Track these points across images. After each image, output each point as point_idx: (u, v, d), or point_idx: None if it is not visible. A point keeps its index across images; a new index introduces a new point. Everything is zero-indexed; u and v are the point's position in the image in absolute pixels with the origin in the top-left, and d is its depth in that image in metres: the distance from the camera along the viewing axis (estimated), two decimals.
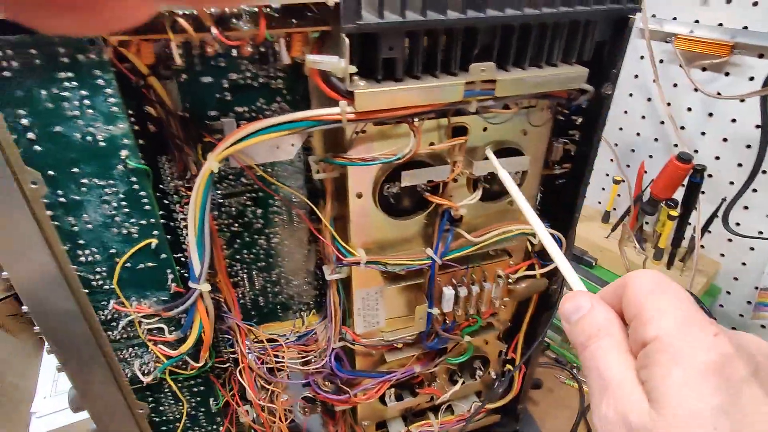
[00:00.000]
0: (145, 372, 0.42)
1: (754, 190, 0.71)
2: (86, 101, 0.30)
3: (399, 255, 0.47)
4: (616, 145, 0.86)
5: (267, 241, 0.49)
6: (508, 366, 0.63)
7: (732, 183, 0.74)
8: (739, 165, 0.72)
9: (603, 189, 0.92)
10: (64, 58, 0.29)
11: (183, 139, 0.39)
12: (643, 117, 0.81)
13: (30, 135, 0.30)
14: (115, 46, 0.31)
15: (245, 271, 0.50)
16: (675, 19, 0.71)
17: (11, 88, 0.28)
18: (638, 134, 0.82)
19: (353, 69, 0.34)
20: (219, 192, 0.45)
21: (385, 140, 0.41)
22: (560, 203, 0.51)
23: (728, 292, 0.80)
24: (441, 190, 0.46)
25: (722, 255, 0.78)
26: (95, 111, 0.31)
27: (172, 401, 0.46)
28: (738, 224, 0.75)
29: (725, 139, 0.73)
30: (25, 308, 0.36)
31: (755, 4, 0.65)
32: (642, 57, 0.77)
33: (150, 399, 0.45)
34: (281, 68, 0.40)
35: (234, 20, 0.33)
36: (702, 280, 0.75)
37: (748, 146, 0.71)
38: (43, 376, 0.75)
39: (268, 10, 0.32)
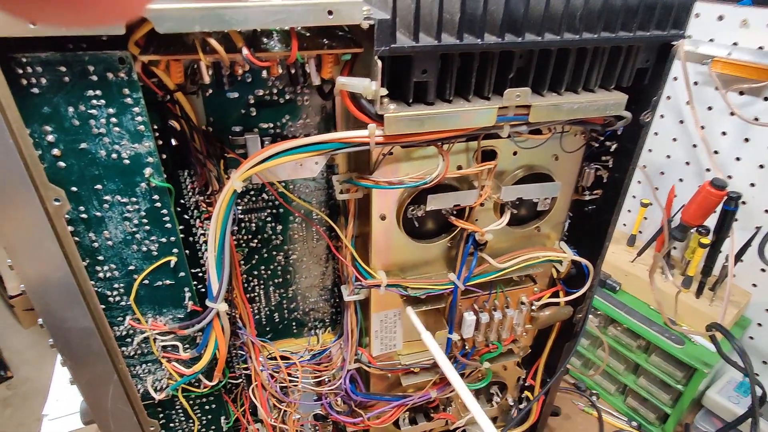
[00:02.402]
0: (158, 389, 0.42)
1: None
2: (113, 119, 0.30)
3: (420, 279, 0.46)
4: (644, 166, 0.83)
5: (285, 258, 0.49)
6: (527, 393, 0.61)
7: (767, 211, 0.71)
8: None
9: (629, 211, 0.89)
10: (93, 76, 0.28)
11: (205, 154, 0.39)
12: (675, 139, 0.78)
13: (55, 151, 0.30)
14: (145, 63, 0.30)
15: (262, 287, 0.49)
16: (712, 40, 0.69)
17: (39, 104, 0.28)
18: (668, 156, 0.80)
19: (384, 92, 0.33)
20: (239, 208, 0.44)
21: (411, 162, 0.40)
22: (589, 230, 0.49)
23: (759, 324, 0.76)
24: (467, 214, 0.44)
25: (754, 285, 0.75)
26: (122, 129, 0.30)
27: (183, 418, 0.45)
28: None
29: (761, 166, 0.70)
30: (40, 321, 0.35)
31: None
32: (675, 78, 0.74)
33: (161, 416, 0.44)
34: (308, 86, 0.39)
35: (265, 40, 0.32)
36: (733, 310, 0.72)
37: None
38: (56, 379, 0.75)
39: (300, 29, 0.31)
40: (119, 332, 0.38)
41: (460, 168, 0.41)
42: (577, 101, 0.38)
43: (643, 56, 0.39)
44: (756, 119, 0.68)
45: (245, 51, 0.29)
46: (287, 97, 0.40)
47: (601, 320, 0.78)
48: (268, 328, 0.53)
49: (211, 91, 0.38)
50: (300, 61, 0.33)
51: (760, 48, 0.66)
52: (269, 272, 0.49)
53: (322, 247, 0.50)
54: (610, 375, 0.79)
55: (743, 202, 0.72)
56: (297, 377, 0.51)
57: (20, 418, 1.42)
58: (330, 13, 0.29)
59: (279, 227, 0.46)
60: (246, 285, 0.49)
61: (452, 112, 0.35)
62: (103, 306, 0.36)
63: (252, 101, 0.39)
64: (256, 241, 0.46)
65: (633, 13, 0.36)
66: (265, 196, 0.45)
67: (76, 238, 0.33)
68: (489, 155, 0.42)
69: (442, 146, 0.38)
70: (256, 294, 0.50)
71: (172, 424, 0.46)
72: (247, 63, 0.30)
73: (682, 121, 0.76)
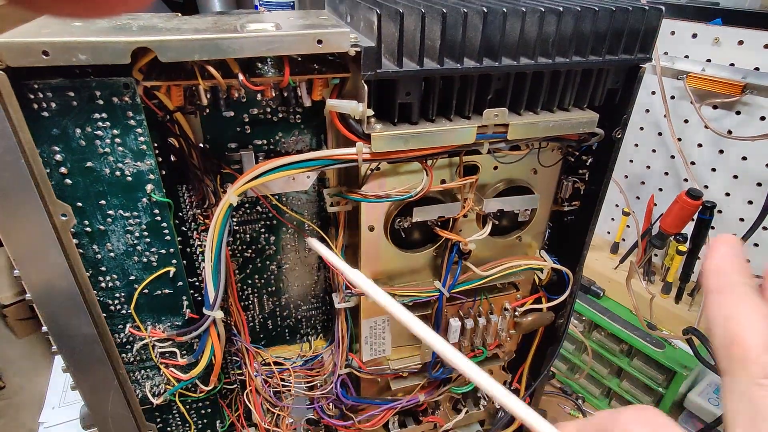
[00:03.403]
0: (156, 394, 0.43)
1: (765, 228, 0.71)
2: (117, 139, 0.32)
3: (407, 286, 0.48)
4: (626, 177, 0.87)
5: (278, 267, 0.51)
6: None
7: (742, 220, 0.74)
8: (750, 202, 0.72)
9: (612, 219, 0.92)
10: (99, 100, 0.30)
11: (203, 170, 0.41)
12: (654, 151, 0.81)
13: (62, 170, 0.32)
14: (147, 87, 0.32)
15: (256, 295, 0.51)
16: (687, 57, 0.72)
17: (48, 127, 0.30)
18: (648, 167, 0.83)
19: (371, 112, 0.35)
20: (234, 219, 0.46)
21: (398, 176, 0.42)
22: (569, 239, 0.52)
23: None
24: (451, 224, 0.46)
25: None
26: (125, 148, 0.32)
27: (179, 422, 0.47)
28: (748, 261, 0.74)
29: (735, 176, 0.73)
30: (44, 329, 0.37)
31: (766, 46, 0.65)
32: (653, 92, 0.78)
33: (158, 420, 0.46)
34: (300, 105, 0.41)
35: (260, 65, 0.34)
36: None
37: (759, 184, 0.71)
38: (52, 387, 0.77)
39: (293, 56, 0.33)
40: (120, 339, 0.40)
41: (444, 182, 0.44)
42: (552, 119, 0.40)
43: (613, 78, 0.42)
44: (729, 132, 0.71)
45: (241, 77, 0.32)
46: (280, 115, 0.42)
47: (586, 326, 0.81)
48: (262, 335, 0.55)
49: (208, 110, 0.40)
50: (292, 85, 0.35)
51: (731, 64, 0.69)
52: (263, 281, 0.51)
53: (314, 257, 0.52)
54: (594, 379, 0.82)
55: (719, 211, 0.75)
56: (290, 382, 0.53)
57: (13, 429, 1.42)
58: (319, 42, 0.31)
59: (272, 238, 0.49)
60: (240, 293, 0.51)
61: (434, 131, 0.37)
62: (105, 314, 0.38)
63: (247, 119, 0.41)
64: (250, 251, 0.48)
65: (602, 39, 0.39)
66: (259, 208, 0.47)
67: (81, 250, 0.35)
68: (471, 170, 0.44)
69: (426, 162, 0.40)
70: (250, 302, 0.52)
71: (169, 428, 0.47)
72: (242, 87, 0.32)
73: (660, 134, 0.80)
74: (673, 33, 0.74)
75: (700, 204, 0.68)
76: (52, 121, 0.30)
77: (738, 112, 0.70)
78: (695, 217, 0.70)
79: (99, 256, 0.36)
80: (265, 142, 0.43)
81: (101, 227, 0.35)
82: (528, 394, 0.60)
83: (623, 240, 0.87)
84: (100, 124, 0.31)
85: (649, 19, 0.39)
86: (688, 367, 0.69)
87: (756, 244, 0.73)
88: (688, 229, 0.72)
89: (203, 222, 0.43)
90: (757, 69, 0.67)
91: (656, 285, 0.79)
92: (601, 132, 0.43)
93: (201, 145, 0.41)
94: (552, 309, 0.55)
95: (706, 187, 0.76)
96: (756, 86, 0.67)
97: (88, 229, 0.34)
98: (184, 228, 0.43)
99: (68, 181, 0.32)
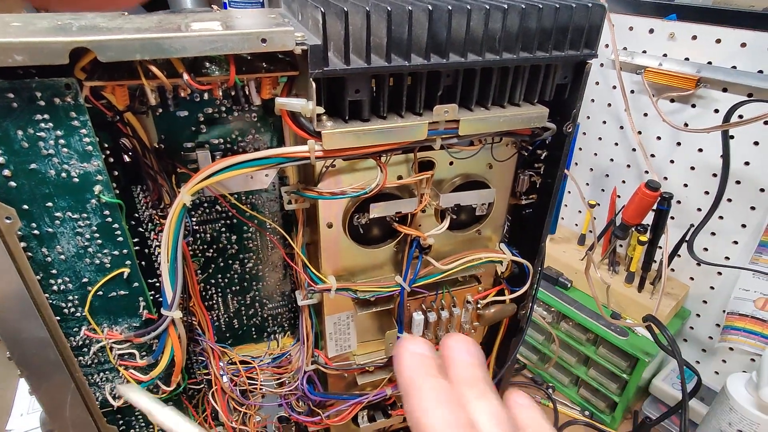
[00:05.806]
0: (116, 396, 0.43)
1: (721, 217, 0.74)
2: (61, 141, 0.32)
3: (369, 282, 0.49)
4: (591, 170, 0.89)
5: (241, 266, 0.51)
6: None
7: (699, 210, 0.76)
8: (706, 193, 0.75)
9: (579, 212, 0.94)
10: (40, 101, 0.30)
11: (157, 170, 0.41)
12: (616, 144, 0.83)
13: (5, 172, 0.31)
14: (91, 87, 0.32)
15: (220, 294, 0.51)
16: (645, 52, 0.74)
17: None
18: (612, 160, 0.85)
19: (320, 110, 0.36)
20: (194, 219, 0.46)
21: (354, 173, 0.43)
22: (528, 232, 0.53)
23: (698, 315, 0.82)
24: (410, 220, 0.47)
25: (691, 278, 0.81)
26: (70, 149, 0.32)
27: (143, 424, 0.47)
28: (706, 249, 0.77)
29: (692, 168, 0.75)
30: None
31: (718, 41, 0.68)
32: (614, 87, 0.80)
33: (121, 422, 0.46)
34: (253, 104, 0.42)
35: (207, 64, 0.34)
36: (671, 302, 0.77)
37: (714, 175, 0.73)
38: (20, 394, 0.75)
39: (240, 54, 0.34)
40: (75, 342, 0.40)
41: (400, 178, 0.45)
42: (503, 115, 0.41)
43: (561, 73, 0.43)
44: (686, 125, 0.74)
45: (186, 76, 0.32)
46: (235, 114, 0.42)
47: (554, 316, 0.82)
48: (228, 334, 0.55)
49: (161, 110, 0.40)
50: (239, 84, 0.36)
51: (686, 59, 0.71)
52: (226, 280, 0.51)
53: (278, 255, 0.52)
54: (563, 368, 0.84)
55: (678, 201, 0.77)
56: (256, 381, 0.53)
57: None
58: (264, 41, 0.32)
59: (233, 237, 0.49)
60: (204, 293, 0.51)
61: (385, 128, 0.38)
62: (58, 317, 0.38)
63: (202, 119, 0.41)
64: (211, 251, 0.48)
65: (548, 35, 0.40)
66: (218, 207, 0.47)
67: (29, 254, 0.34)
68: (427, 165, 0.45)
69: (379, 158, 0.41)
70: (214, 302, 0.52)
71: (132, 430, 0.47)
72: (188, 87, 0.32)
73: (622, 127, 0.82)
74: (631, 28, 0.76)
75: (658, 195, 0.70)
76: None
77: (693, 105, 0.73)
78: (655, 207, 0.72)
79: (49, 258, 0.35)
80: (222, 141, 0.43)
81: (49, 229, 0.34)
82: (494, 383, 0.61)
83: (590, 232, 0.90)
84: (43, 125, 0.31)
85: (592, 15, 0.40)
86: (650, 353, 0.72)
87: (713, 233, 0.75)
88: (649, 219, 0.74)
89: (160, 222, 0.43)
90: (710, 63, 0.69)
91: (621, 275, 0.81)
92: (553, 126, 0.45)
93: (155, 145, 0.41)
94: (514, 300, 0.56)
95: (666, 178, 0.78)
96: (709, 80, 0.69)
97: (35, 231, 0.34)
98: (141, 229, 0.43)
99: (12, 183, 0.32)
